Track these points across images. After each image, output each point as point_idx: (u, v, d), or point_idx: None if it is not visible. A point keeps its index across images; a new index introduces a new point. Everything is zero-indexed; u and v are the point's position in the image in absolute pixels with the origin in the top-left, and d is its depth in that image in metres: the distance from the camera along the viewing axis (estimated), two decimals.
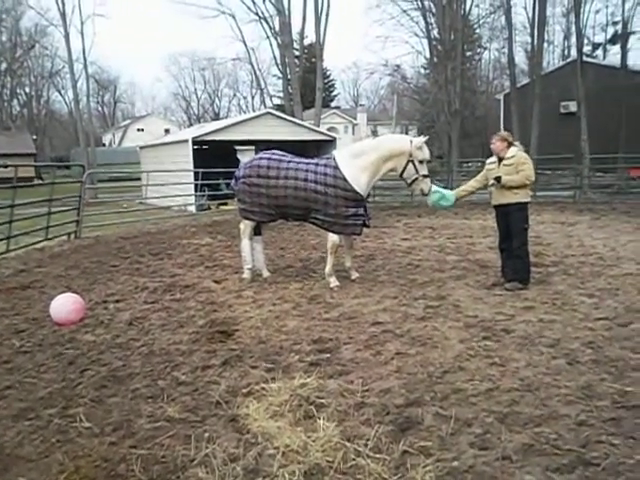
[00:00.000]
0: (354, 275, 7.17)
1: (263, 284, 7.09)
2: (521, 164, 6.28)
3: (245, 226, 7.22)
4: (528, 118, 24.72)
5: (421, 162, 6.53)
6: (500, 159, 6.44)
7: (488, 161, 6.70)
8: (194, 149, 19.81)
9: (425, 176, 6.56)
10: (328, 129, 44.42)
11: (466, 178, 26.50)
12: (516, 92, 26.04)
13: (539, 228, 11.28)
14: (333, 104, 64.28)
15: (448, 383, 3.96)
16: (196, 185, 17.81)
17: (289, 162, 6.86)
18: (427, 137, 6.68)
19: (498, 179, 6.32)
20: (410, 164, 6.50)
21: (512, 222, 6.38)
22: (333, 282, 6.83)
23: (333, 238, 6.79)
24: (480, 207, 16.13)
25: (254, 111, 61.85)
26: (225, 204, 18.79)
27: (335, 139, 22.05)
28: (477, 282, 6.87)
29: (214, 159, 20.80)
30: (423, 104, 36.18)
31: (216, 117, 64.20)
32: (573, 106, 27.84)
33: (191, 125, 57.45)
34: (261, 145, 23.45)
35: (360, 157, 6.66)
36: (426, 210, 15.96)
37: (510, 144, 6.41)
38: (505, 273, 6.66)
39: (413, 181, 6.57)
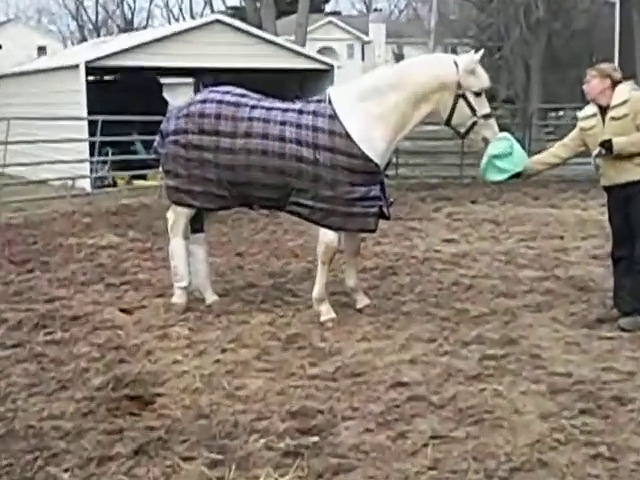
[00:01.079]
0: (362, 302, 7.22)
1: (206, 315, 7.09)
2: None
3: (177, 216, 7.23)
4: None
5: (478, 94, 6.63)
6: (602, 109, 6.50)
7: (581, 114, 6.76)
8: (89, 82, 19.78)
9: (487, 116, 6.66)
10: (320, 50, 44.60)
11: (554, 139, 26.75)
12: None
13: None
14: (329, 8, 64.46)
15: None
16: (92, 145, 17.77)
17: (253, 108, 6.89)
18: (482, 52, 6.76)
19: (607, 145, 6.35)
20: (461, 101, 6.60)
21: (635, 212, 6.44)
22: (326, 313, 6.87)
23: (327, 238, 6.83)
24: (577, 187, 16.25)
25: (194, 18, 62.05)
26: (142, 178, 18.77)
27: (332, 68, 22.15)
28: (571, 316, 6.91)
29: (124, 100, 20.68)
30: (482, 10, 36.34)
31: (128, 27, 64.07)
32: None
33: (84, 41, 57.29)
34: (205, 77, 23.46)
35: (372, 99, 6.71)
36: (485, 191, 16.02)
37: (616, 82, 6.48)
38: (620, 301, 6.69)
39: (470, 128, 6.68)
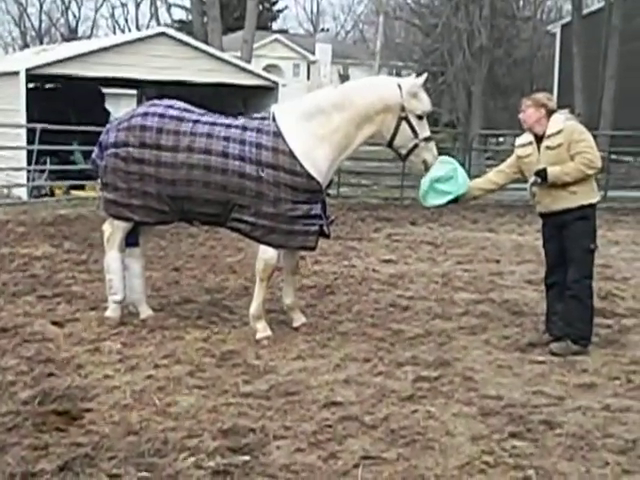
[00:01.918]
0: (299, 320, 7.22)
1: (140, 330, 7.01)
2: (576, 142, 6.47)
3: (114, 229, 7.15)
4: (599, 66, 25.57)
5: (420, 117, 6.73)
6: (538, 137, 6.62)
7: (518, 142, 6.90)
8: (29, 89, 19.46)
9: (427, 139, 6.76)
10: (266, 68, 44.66)
11: (494, 164, 27.18)
12: (582, 22, 26.97)
13: (610, 252, 11.64)
14: (276, 26, 64.60)
15: None
16: (30, 153, 17.48)
17: (196, 122, 6.86)
18: (425, 76, 6.85)
19: (542, 174, 6.47)
20: (404, 123, 6.68)
21: (570, 239, 6.57)
22: (262, 331, 6.85)
23: (267, 255, 6.81)
24: (514, 212, 16.53)
25: (139, 29, 61.67)
26: (81, 188, 18.52)
27: (277, 85, 22.17)
28: (504, 339, 7.00)
29: (65, 109, 20.44)
30: (428, 35, 36.85)
31: (72, 36, 63.39)
32: None
33: (26, 47, 56.55)
34: (149, 89, 23.30)
35: (316, 118, 6.75)
36: (425, 213, 16.17)
37: (551, 112, 6.61)
38: (552, 325, 6.81)
39: (411, 150, 6.76)
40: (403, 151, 6.81)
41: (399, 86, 6.70)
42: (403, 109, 6.65)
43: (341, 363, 6.21)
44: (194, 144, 6.73)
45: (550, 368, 6.21)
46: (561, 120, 6.55)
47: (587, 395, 5.63)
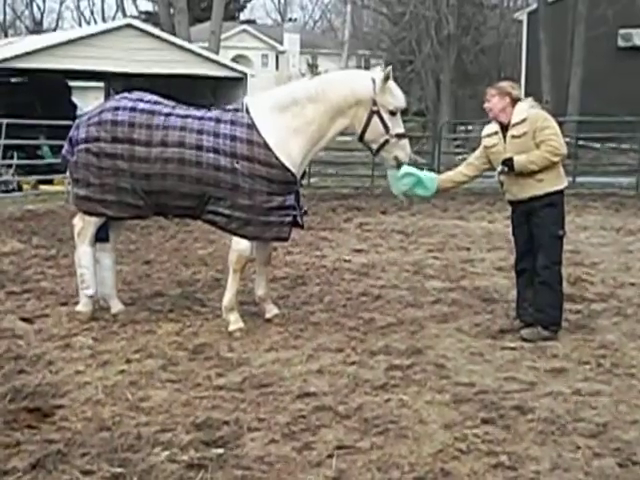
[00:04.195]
0: (271, 311, 7.22)
1: (111, 325, 6.98)
2: (540, 130, 6.51)
3: (85, 224, 7.08)
4: (566, 53, 25.73)
5: (393, 113, 6.74)
6: (504, 127, 6.66)
7: (484, 132, 6.93)
8: None
9: (400, 136, 6.76)
10: (234, 58, 44.46)
11: (463, 152, 27.27)
12: (548, 9, 27.11)
13: (579, 237, 11.75)
14: (243, 16, 64.41)
15: None
16: None
17: (169, 116, 6.83)
18: (391, 67, 6.83)
19: (509, 163, 6.51)
20: (375, 118, 6.69)
21: (538, 226, 6.61)
22: (234, 322, 6.84)
23: (240, 246, 6.81)
24: (484, 199, 16.63)
25: (105, 21, 61.13)
26: (49, 183, 18.36)
27: (246, 76, 22.13)
28: (475, 327, 7.04)
29: (31, 103, 20.26)
30: (395, 23, 36.88)
31: (37, 29, 62.71)
32: None
33: None
34: (116, 82, 23.13)
35: (289, 110, 6.75)
36: (395, 203, 16.20)
37: (515, 100, 6.64)
38: (522, 312, 6.87)
39: (382, 145, 6.77)
40: (374, 146, 6.82)
41: (373, 80, 6.70)
42: (375, 103, 6.66)
43: (314, 354, 6.21)
44: (167, 137, 6.70)
45: (521, 354, 6.25)
46: (525, 108, 6.58)
47: (558, 380, 5.67)
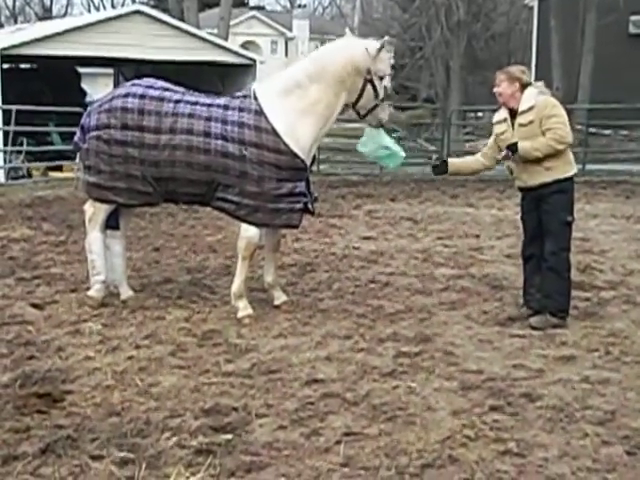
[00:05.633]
0: (280, 298, 7.22)
1: (120, 311, 7.00)
2: (547, 117, 6.47)
3: (96, 210, 7.10)
4: (577, 40, 25.57)
5: (381, 78, 6.85)
6: (513, 113, 6.63)
7: (495, 119, 6.91)
8: (4, 70, 19.29)
9: (384, 99, 6.94)
10: (243, 45, 44.38)
11: (472, 140, 27.18)
12: None
13: (589, 225, 11.71)
14: (252, 2, 64.25)
15: None
16: (6, 134, 17.33)
17: (178, 102, 6.83)
18: (387, 38, 6.98)
19: (512, 148, 6.50)
20: (369, 85, 6.78)
21: (547, 212, 6.60)
22: (243, 309, 6.85)
23: (249, 233, 6.81)
24: (494, 187, 16.57)
25: (115, 8, 61.02)
26: (58, 169, 18.39)
27: (255, 62, 22.08)
28: (484, 314, 7.04)
29: (41, 90, 20.27)
30: (405, 10, 36.75)
31: (47, 15, 62.71)
32: None
33: (0, 27, 55.87)
34: (126, 68, 23.12)
35: (293, 93, 6.76)
36: (404, 190, 16.23)
37: (525, 85, 6.61)
38: (530, 298, 6.86)
39: (370, 110, 6.91)
40: (363, 111, 6.92)
41: (366, 49, 6.74)
42: (369, 72, 6.72)
43: (322, 340, 6.23)
44: (176, 124, 6.70)
45: (530, 342, 6.25)
46: (533, 95, 6.53)
47: (566, 368, 5.67)
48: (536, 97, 6.51)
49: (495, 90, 6.68)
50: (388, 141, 7.06)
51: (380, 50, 6.74)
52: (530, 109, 6.47)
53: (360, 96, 6.79)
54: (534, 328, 6.52)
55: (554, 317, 6.59)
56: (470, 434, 4.54)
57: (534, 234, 6.78)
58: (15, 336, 6.28)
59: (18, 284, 7.93)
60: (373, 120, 6.96)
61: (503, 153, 6.57)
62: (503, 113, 6.74)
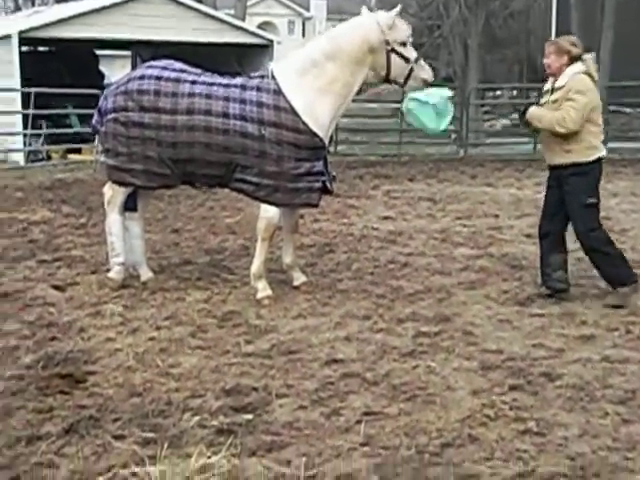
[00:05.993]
0: (299, 279, 7.24)
1: (140, 292, 7.04)
2: (566, 100, 6.40)
3: (115, 192, 7.12)
4: (597, 17, 25.31)
5: (403, 44, 6.80)
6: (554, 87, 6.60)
7: (545, 87, 6.88)
8: (23, 53, 19.34)
9: (417, 59, 6.87)
10: (260, 25, 44.24)
11: (491, 118, 26.96)
12: None
13: (610, 204, 11.62)
14: None
15: (451, 465, 4.02)
16: (25, 117, 17.40)
17: (194, 83, 6.82)
18: (399, 8, 6.85)
19: (523, 110, 6.50)
20: (393, 55, 6.75)
21: (569, 193, 6.59)
22: (262, 290, 6.87)
23: (269, 214, 6.82)
24: (513, 166, 16.47)
25: None
26: (77, 152, 18.47)
27: (272, 43, 22.01)
28: (503, 294, 7.04)
29: (59, 72, 20.31)
30: None
31: None
32: None
33: (18, 10, 55.91)
34: (143, 50, 23.11)
35: (310, 72, 6.75)
36: (423, 169, 16.19)
37: (573, 59, 6.52)
38: (547, 278, 6.83)
39: (408, 76, 6.84)
40: (401, 80, 6.88)
41: (377, 23, 6.72)
42: (387, 43, 6.69)
43: (342, 321, 6.25)
44: (193, 105, 6.69)
45: (550, 321, 6.25)
46: (570, 74, 6.43)
47: (586, 347, 5.67)
48: (572, 76, 6.43)
49: (545, 61, 6.60)
50: (437, 100, 6.88)
51: (393, 20, 6.71)
52: (561, 88, 6.43)
53: (389, 69, 6.78)
54: (617, 307, 6.49)
55: (624, 287, 6.59)
56: (490, 413, 4.56)
57: (553, 211, 6.76)
58: (37, 318, 6.33)
59: (39, 266, 7.99)
60: (416, 83, 6.88)
61: (515, 114, 6.56)
62: (549, 84, 6.69)
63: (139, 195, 7.30)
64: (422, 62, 6.91)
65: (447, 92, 7.01)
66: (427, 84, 6.91)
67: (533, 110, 6.46)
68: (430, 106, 6.83)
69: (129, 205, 7.25)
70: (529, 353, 5.53)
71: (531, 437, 4.30)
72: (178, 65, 7.07)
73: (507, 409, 4.62)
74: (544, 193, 7.02)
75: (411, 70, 6.80)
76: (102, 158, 7.25)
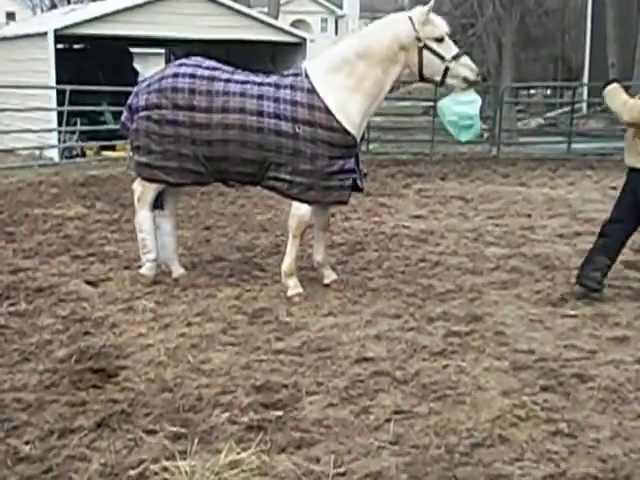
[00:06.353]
0: (329, 277, 7.24)
1: (172, 288, 7.09)
2: None
3: (145, 189, 7.16)
4: (633, 14, 25.00)
5: (440, 40, 6.71)
6: None
7: None
8: (58, 50, 19.51)
9: (456, 56, 6.73)
10: (293, 23, 44.29)
11: (524, 117, 26.72)
12: None
13: None
14: None
15: (481, 465, 4.01)
16: (60, 114, 17.57)
17: (228, 81, 6.84)
18: (432, 3, 6.75)
19: (605, 84, 6.49)
20: (425, 52, 6.68)
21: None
22: (293, 288, 6.89)
23: (300, 211, 6.84)
24: (546, 165, 16.33)
25: None
26: (111, 149, 18.61)
27: (305, 41, 21.99)
28: (535, 294, 6.99)
29: (94, 69, 20.48)
30: None
31: None
32: None
33: (54, 8, 56.46)
34: (177, 48, 23.25)
35: (342, 70, 6.75)
36: (455, 169, 16.11)
37: None
38: (585, 274, 6.70)
39: (444, 74, 6.74)
40: (437, 78, 6.79)
41: (410, 19, 6.67)
42: (419, 39, 6.64)
43: (372, 319, 6.25)
44: (228, 104, 6.72)
45: (582, 322, 6.21)
46: None
47: (619, 348, 5.63)
48: None
49: None
50: (472, 111, 6.83)
51: (427, 14, 6.64)
52: None
53: (421, 66, 6.71)
54: None
55: None
56: (521, 414, 4.54)
57: (617, 216, 6.68)
58: (70, 312, 6.40)
59: (73, 261, 8.07)
60: (456, 81, 6.76)
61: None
62: None
63: (168, 193, 7.31)
64: (465, 59, 6.76)
65: (475, 109, 6.85)
66: (469, 82, 6.76)
67: (612, 87, 6.35)
68: (457, 116, 6.80)
69: (156, 203, 7.28)
70: (561, 354, 5.50)
71: (562, 438, 4.28)
72: (211, 63, 7.09)
73: (538, 410, 4.60)
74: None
75: (446, 69, 6.69)
76: (133, 155, 7.28)
